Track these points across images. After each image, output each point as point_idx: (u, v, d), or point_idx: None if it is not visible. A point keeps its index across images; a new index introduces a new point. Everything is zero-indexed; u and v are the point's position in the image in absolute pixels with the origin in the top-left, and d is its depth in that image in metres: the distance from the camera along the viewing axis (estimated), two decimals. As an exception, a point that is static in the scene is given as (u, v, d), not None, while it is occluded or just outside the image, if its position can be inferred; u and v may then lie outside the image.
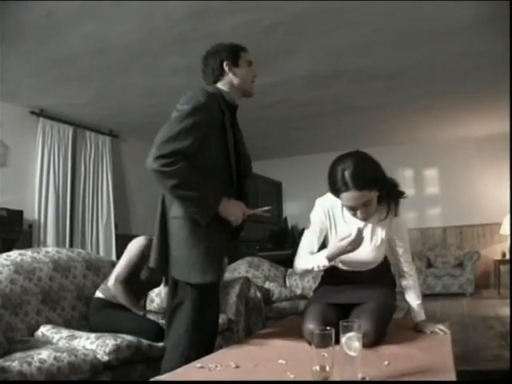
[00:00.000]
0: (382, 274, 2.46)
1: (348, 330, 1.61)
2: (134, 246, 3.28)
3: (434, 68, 5.51)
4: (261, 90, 5.78)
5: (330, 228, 2.43)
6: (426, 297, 8.07)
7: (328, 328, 1.59)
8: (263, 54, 4.93)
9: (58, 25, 4.17)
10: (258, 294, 4.33)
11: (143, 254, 3.22)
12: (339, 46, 4.85)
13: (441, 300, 7.65)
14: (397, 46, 4.90)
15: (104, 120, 7.07)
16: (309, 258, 2.35)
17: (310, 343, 1.99)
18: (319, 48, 4.89)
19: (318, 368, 1.56)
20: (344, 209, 2.36)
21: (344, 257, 2.26)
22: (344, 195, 2.18)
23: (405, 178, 9.43)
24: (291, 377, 1.65)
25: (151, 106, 6.52)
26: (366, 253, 2.36)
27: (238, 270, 5.46)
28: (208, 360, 1.90)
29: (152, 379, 1.71)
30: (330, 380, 1.55)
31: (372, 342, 2.06)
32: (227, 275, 4.43)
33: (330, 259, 2.22)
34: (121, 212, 7.57)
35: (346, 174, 2.14)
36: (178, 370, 1.81)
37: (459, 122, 7.97)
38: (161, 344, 3.01)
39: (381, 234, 2.38)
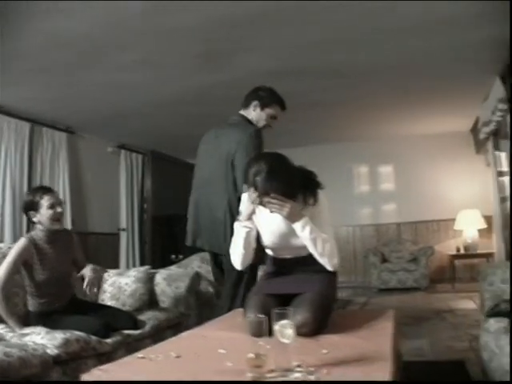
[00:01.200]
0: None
1: (281, 317, 1.65)
2: (13, 251, 3.16)
3: (393, 65, 5.54)
4: (224, 86, 5.80)
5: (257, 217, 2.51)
6: (381, 291, 8.25)
7: (261, 316, 1.64)
8: (226, 49, 4.90)
9: (17, 19, 4.10)
10: (211, 289, 4.37)
11: (21, 257, 3.13)
12: (301, 43, 4.84)
13: (396, 294, 7.83)
14: (356, 44, 4.91)
15: (61, 116, 6.95)
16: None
17: (252, 334, 2.04)
18: (280, 44, 4.87)
19: (252, 355, 1.60)
20: None
21: (272, 242, 2.46)
22: None
23: (360, 175, 9.59)
24: (229, 365, 1.70)
25: (108, 102, 6.45)
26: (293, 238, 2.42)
27: (191, 265, 5.42)
28: (150, 351, 1.95)
29: (97, 368, 1.74)
30: (264, 368, 1.60)
31: (312, 330, 2.07)
32: (179, 270, 4.44)
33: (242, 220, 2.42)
34: (77, 209, 7.50)
35: (258, 179, 2.25)
36: (121, 360, 1.86)
37: (415, 119, 8.12)
38: (109, 340, 3.04)
39: None
